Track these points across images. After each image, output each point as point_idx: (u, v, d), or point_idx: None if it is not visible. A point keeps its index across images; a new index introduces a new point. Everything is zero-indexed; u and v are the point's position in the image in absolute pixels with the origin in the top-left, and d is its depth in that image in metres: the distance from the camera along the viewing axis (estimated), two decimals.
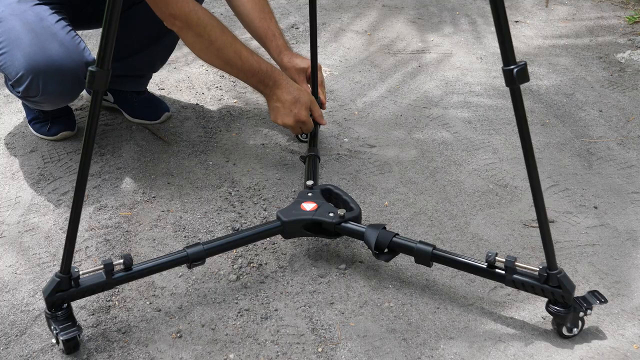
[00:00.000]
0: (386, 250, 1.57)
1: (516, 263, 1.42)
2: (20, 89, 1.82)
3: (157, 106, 2.28)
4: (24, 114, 2.26)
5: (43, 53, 1.77)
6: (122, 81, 2.20)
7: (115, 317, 1.54)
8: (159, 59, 2.24)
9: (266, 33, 2.08)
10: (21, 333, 1.51)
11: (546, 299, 1.45)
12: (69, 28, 1.84)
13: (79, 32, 1.93)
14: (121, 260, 1.45)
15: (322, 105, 2.10)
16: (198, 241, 1.63)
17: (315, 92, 2.11)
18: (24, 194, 1.96)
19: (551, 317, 1.47)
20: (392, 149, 2.15)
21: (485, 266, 1.47)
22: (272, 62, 2.03)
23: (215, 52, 1.82)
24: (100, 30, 1.20)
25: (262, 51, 2.15)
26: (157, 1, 1.70)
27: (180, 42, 2.18)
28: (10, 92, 1.95)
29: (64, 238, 1.36)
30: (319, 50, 2.57)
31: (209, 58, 1.86)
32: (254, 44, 2.21)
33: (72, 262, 1.39)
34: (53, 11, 1.84)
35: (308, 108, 1.95)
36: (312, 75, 2.07)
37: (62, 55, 1.79)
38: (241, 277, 1.66)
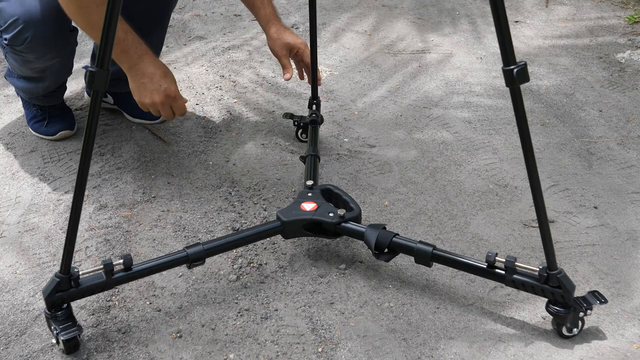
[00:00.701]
0: (386, 250, 1.57)
1: (516, 263, 1.42)
2: (9, 35, 1.84)
3: None
4: (24, 114, 2.26)
5: (37, 3, 1.80)
6: (119, 84, 2.20)
7: (115, 317, 1.54)
8: None
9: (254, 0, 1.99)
10: (21, 333, 1.51)
11: (546, 299, 1.45)
12: None
13: None
14: (121, 260, 1.45)
15: (318, 81, 2.05)
16: (198, 241, 1.63)
17: (315, 93, 2.11)
18: (24, 194, 1.96)
19: (551, 317, 1.47)
20: (392, 149, 2.15)
21: (485, 266, 1.47)
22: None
23: (81, 9, 1.66)
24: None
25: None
26: None
27: (179, 41, 2.17)
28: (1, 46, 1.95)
29: (64, 238, 1.36)
30: (319, 50, 2.57)
31: (72, 12, 1.69)
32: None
33: (72, 262, 1.39)
34: None
35: (176, 84, 1.80)
36: (312, 76, 2.07)
37: (53, 7, 1.78)
38: (241, 277, 1.66)
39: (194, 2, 3.27)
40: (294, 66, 2.08)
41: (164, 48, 2.74)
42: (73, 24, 1.88)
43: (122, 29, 1.70)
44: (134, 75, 1.75)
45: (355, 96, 2.47)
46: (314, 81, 2.08)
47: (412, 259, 1.55)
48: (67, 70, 2.07)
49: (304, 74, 2.10)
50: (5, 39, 1.87)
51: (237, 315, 1.55)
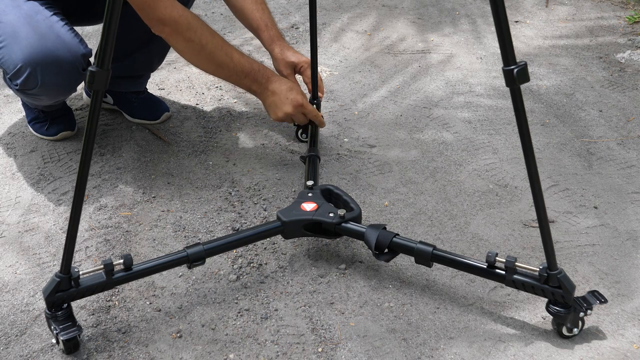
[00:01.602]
0: (386, 250, 1.57)
1: (516, 263, 1.42)
2: (19, 81, 1.81)
3: (157, 106, 2.28)
4: (24, 114, 2.26)
5: (41, 45, 1.76)
6: (121, 82, 2.20)
7: (115, 317, 1.54)
8: (157, 58, 2.24)
9: (259, 24, 2.06)
10: (21, 333, 1.51)
11: (546, 299, 1.45)
12: (65, 21, 1.84)
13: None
14: (121, 260, 1.45)
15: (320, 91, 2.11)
16: (198, 241, 1.63)
17: (315, 94, 2.11)
18: (24, 194, 1.96)
19: (551, 317, 1.47)
20: (392, 149, 2.16)
21: (485, 266, 1.47)
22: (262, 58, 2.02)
23: (207, 56, 1.81)
24: (100, 29, 1.20)
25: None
26: (143, 6, 1.68)
27: None
28: (9, 86, 1.93)
29: (64, 238, 1.36)
30: (319, 50, 2.57)
31: (200, 63, 1.85)
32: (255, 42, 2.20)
33: (72, 262, 1.39)
34: (46, 5, 1.84)
35: (303, 94, 1.94)
36: (312, 76, 2.07)
37: (60, 47, 1.78)
38: (241, 277, 1.66)
39: (194, 2, 3.27)
40: (301, 82, 2.14)
41: None
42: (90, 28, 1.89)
43: (245, 59, 1.87)
44: (266, 97, 1.91)
45: (355, 96, 2.47)
46: (314, 81, 2.08)
47: (412, 259, 1.55)
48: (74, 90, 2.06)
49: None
50: (16, 85, 1.83)
51: (237, 315, 1.55)
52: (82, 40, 1.85)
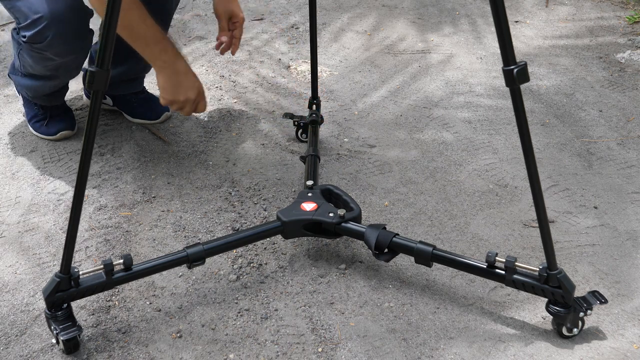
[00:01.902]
0: (386, 250, 1.57)
1: (516, 263, 1.42)
2: (31, 32, 1.83)
3: (156, 106, 2.28)
4: (24, 113, 2.26)
5: (62, 2, 1.81)
6: (118, 86, 2.20)
7: (115, 317, 1.54)
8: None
9: None
10: (21, 333, 1.51)
11: (546, 299, 1.45)
12: None
13: None
14: (121, 260, 1.45)
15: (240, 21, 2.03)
16: (198, 241, 1.63)
17: (315, 93, 2.11)
18: (24, 194, 1.96)
19: (551, 317, 1.47)
20: (392, 149, 2.16)
21: (485, 266, 1.47)
22: None
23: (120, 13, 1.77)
24: (99, 29, 1.20)
25: None
26: None
27: (179, 41, 2.17)
28: (13, 38, 1.96)
29: (64, 238, 1.36)
30: (319, 50, 2.57)
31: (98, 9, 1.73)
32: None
33: (72, 262, 1.39)
34: None
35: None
36: (312, 75, 2.07)
37: (74, 6, 1.83)
38: (241, 277, 1.66)
39: (194, 2, 3.27)
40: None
41: None
42: (91, 25, 1.89)
43: (159, 30, 1.76)
44: (170, 73, 1.78)
45: (355, 96, 2.47)
46: (314, 81, 2.08)
47: (412, 259, 1.55)
48: (78, 69, 2.07)
49: (225, 45, 2.08)
50: (24, 37, 1.86)
51: (237, 315, 1.55)
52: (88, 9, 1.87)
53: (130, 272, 1.47)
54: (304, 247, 1.76)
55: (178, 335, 1.50)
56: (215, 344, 1.47)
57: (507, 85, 1.25)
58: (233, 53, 2.08)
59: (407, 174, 2.04)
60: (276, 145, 2.18)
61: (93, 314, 1.55)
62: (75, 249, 1.57)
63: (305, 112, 2.23)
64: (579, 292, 1.49)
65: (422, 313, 1.55)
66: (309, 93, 2.15)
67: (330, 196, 1.71)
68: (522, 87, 1.25)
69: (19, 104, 2.33)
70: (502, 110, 2.37)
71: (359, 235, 1.60)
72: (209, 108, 2.38)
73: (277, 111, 2.37)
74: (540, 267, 1.41)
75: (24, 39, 1.87)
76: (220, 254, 1.68)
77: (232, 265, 1.69)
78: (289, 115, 2.14)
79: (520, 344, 1.46)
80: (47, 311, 1.42)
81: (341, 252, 1.74)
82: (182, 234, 1.80)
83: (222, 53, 2.07)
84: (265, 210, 1.88)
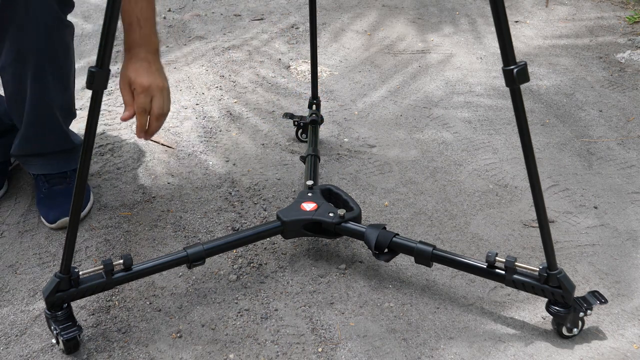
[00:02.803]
0: (386, 250, 1.57)
1: (516, 263, 1.42)
2: None
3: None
4: None
5: None
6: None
7: (115, 317, 1.54)
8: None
9: (130, 19, 1.55)
10: (21, 333, 1.51)
11: (546, 299, 1.45)
12: None
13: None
14: (121, 261, 1.45)
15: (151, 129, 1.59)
16: (198, 241, 1.63)
17: (315, 93, 2.11)
18: (24, 193, 1.96)
19: (551, 317, 1.47)
20: (392, 149, 2.16)
21: (485, 266, 1.47)
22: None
23: None
24: (99, 29, 1.20)
25: None
26: None
27: (178, 41, 2.16)
28: None
29: (64, 238, 1.36)
30: (319, 50, 2.57)
31: None
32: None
33: (72, 262, 1.39)
34: None
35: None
36: (312, 75, 2.07)
37: None
38: (241, 277, 1.66)
39: (194, 2, 3.27)
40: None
41: (164, 48, 2.75)
42: (91, 24, 1.71)
43: (154, 16, 1.55)
44: (155, 60, 1.56)
45: (355, 96, 2.47)
46: (314, 81, 2.08)
47: (412, 259, 1.55)
48: None
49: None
50: None
51: (237, 315, 1.55)
52: None
53: (130, 272, 1.47)
54: (304, 247, 1.76)
55: (178, 335, 1.50)
56: (215, 344, 1.47)
57: (507, 85, 1.25)
58: (145, 138, 1.61)
59: (407, 174, 2.04)
60: (276, 145, 2.18)
61: (93, 314, 1.55)
62: (75, 249, 1.57)
63: (305, 112, 2.23)
64: (579, 292, 1.49)
65: (422, 313, 1.55)
66: (309, 93, 2.15)
67: (330, 196, 1.71)
68: (522, 87, 1.25)
69: None
70: (502, 110, 2.37)
71: (359, 235, 1.60)
72: (209, 108, 2.38)
73: (277, 111, 2.37)
74: (540, 267, 1.41)
75: None
76: (220, 254, 1.68)
77: (232, 265, 1.69)
78: (289, 115, 2.14)
79: (520, 344, 1.46)
80: (47, 311, 1.42)
81: (341, 252, 1.74)
82: (182, 234, 1.80)
83: (137, 136, 1.60)
84: (265, 210, 1.88)
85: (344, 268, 1.68)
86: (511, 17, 3.04)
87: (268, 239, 1.75)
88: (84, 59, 2.62)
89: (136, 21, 1.54)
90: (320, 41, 2.84)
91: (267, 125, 2.28)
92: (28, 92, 1.69)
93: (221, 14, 3.13)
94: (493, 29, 1.68)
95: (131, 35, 1.55)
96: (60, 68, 1.72)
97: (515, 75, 1.22)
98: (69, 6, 1.68)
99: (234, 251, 1.72)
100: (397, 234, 1.56)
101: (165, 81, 1.59)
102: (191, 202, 1.92)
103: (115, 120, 2.30)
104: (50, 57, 1.67)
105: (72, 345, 1.43)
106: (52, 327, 1.42)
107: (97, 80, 1.23)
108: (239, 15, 3.13)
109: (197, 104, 2.41)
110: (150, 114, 1.56)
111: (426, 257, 1.52)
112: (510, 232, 1.80)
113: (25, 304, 1.58)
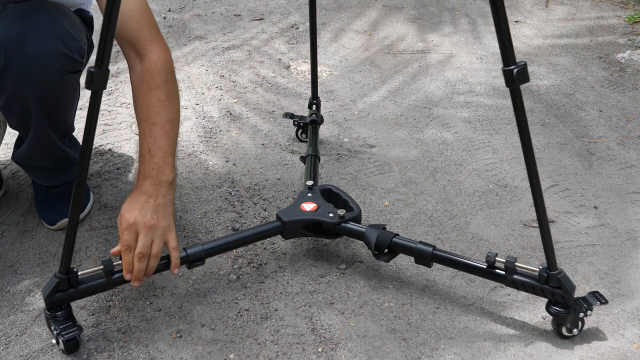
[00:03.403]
0: (386, 250, 1.57)
1: (516, 263, 1.42)
2: None
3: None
4: None
5: None
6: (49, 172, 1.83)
7: (115, 317, 1.54)
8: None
9: (143, 150, 1.50)
10: (21, 333, 1.51)
11: (546, 300, 1.45)
12: None
13: None
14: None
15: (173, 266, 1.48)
16: (198, 241, 1.63)
17: (315, 93, 2.11)
18: (24, 194, 1.96)
19: (551, 317, 1.47)
20: (392, 149, 2.16)
21: (485, 266, 1.47)
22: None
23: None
24: (99, 30, 1.20)
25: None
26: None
27: (179, 41, 2.16)
28: None
29: (64, 238, 1.36)
30: (319, 50, 2.57)
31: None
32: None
33: (72, 262, 1.39)
34: None
35: (176, 240, 1.48)
36: (312, 75, 2.07)
37: None
38: (241, 277, 1.66)
39: (194, 2, 3.27)
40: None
41: None
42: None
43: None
44: (167, 192, 1.50)
45: (355, 96, 2.47)
46: (314, 81, 2.08)
47: (412, 259, 1.55)
48: None
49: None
50: None
51: (237, 315, 1.55)
52: None
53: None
54: (304, 247, 1.76)
55: (178, 335, 1.50)
56: (215, 344, 1.47)
57: (507, 85, 1.24)
58: (132, 279, 1.43)
59: (407, 174, 2.04)
60: (276, 145, 2.18)
61: (93, 314, 1.55)
62: (75, 249, 1.57)
63: (305, 112, 2.23)
64: (579, 292, 1.49)
65: (422, 313, 1.55)
66: (309, 93, 2.15)
67: (330, 196, 1.71)
68: (522, 87, 1.25)
69: None
70: (502, 110, 2.37)
71: (359, 236, 1.60)
72: (209, 108, 2.38)
73: (277, 111, 2.37)
74: (540, 267, 1.41)
75: None
76: (220, 254, 1.68)
77: (232, 265, 1.69)
78: (289, 115, 2.14)
79: (520, 344, 1.46)
80: (47, 311, 1.42)
81: (341, 252, 1.74)
82: (182, 234, 1.80)
83: (124, 278, 1.44)
84: (265, 210, 1.88)
85: (344, 268, 1.68)
86: (511, 17, 3.04)
87: (268, 239, 1.75)
88: None
89: (147, 150, 1.48)
90: (320, 41, 2.84)
91: (267, 125, 2.28)
92: (32, 118, 1.65)
93: (221, 14, 3.13)
94: (493, 28, 1.68)
95: (141, 165, 1.49)
96: (63, 106, 1.73)
97: (515, 75, 1.22)
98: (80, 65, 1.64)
99: (234, 251, 1.72)
100: (397, 234, 1.56)
101: (164, 219, 1.45)
102: (191, 202, 1.92)
103: (116, 120, 2.30)
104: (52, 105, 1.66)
105: (72, 346, 1.43)
106: (52, 327, 1.42)
107: (97, 80, 1.23)
108: (239, 15, 3.13)
109: (197, 104, 2.41)
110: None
111: (426, 257, 1.52)
112: (510, 232, 1.80)
113: (25, 304, 1.58)
